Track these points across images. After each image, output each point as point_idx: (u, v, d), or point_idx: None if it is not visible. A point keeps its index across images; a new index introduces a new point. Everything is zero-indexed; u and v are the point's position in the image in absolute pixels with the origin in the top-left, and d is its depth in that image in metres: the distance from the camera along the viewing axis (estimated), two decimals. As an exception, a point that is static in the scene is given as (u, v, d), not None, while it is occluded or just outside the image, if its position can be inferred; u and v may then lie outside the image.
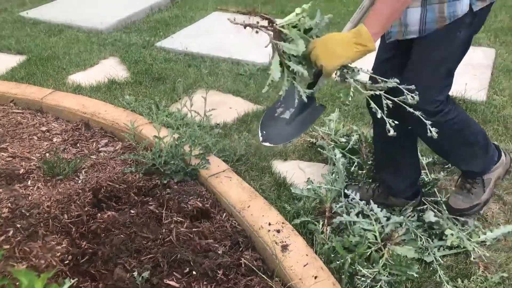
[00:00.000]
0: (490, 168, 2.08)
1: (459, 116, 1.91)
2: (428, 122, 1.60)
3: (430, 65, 1.81)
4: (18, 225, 2.06)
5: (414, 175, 2.18)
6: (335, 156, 2.45)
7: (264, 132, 2.06)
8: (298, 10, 1.60)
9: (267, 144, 2.03)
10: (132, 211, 2.13)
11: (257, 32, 1.61)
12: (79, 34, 4.22)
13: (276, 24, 1.56)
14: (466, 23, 1.75)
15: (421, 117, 1.60)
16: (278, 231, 2.01)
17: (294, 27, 1.60)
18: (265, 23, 1.61)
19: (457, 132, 1.92)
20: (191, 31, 4.28)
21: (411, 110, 1.60)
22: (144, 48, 3.97)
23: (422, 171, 2.32)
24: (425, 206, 2.19)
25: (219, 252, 1.95)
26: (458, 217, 2.12)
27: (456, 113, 1.89)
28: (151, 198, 2.21)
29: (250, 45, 3.92)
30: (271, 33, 1.59)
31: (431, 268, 1.94)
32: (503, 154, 2.14)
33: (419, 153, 2.28)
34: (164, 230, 2.01)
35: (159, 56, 3.81)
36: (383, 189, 2.21)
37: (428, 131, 1.60)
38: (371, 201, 2.15)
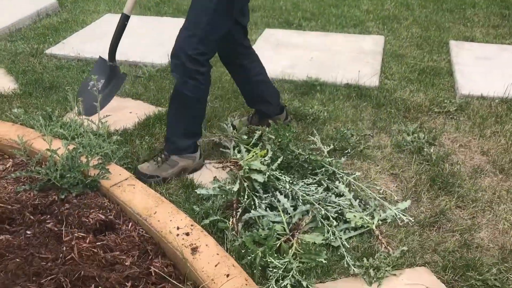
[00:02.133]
0: (183, 153, 2.43)
1: (206, 87, 2.34)
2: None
3: (191, 18, 2.21)
4: None
5: (276, 98, 2.74)
6: (239, 152, 2.47)
7: (83, 106, 2.44)
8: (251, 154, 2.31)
9: (84, 117, 2.47)
10: (28, 232, 1.98)
11: (230, 169, 2.43)
12: (-44, 46, 3.87)
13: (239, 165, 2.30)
14: None
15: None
16: (187, 234, 1.97)
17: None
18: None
19: (197, 99, 2.32)
20: (83, 35, 4.08)
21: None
22: (33, 57, 3.72)
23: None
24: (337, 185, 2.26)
25: (126, 263, 1.87)
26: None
27: (206, 82, 2.30)
28: (48, 216, 2.06)
29: (147, 46, 3.82)
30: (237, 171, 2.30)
31: (339, 253, 2.00)
32: (199, 151, 2.51)
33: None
34: (64, 248, 1.89)
35: (49, 64, 3.59)
36: (259, 115, 2.76)
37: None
38: (277, 193, 2.19)
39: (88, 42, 3.91)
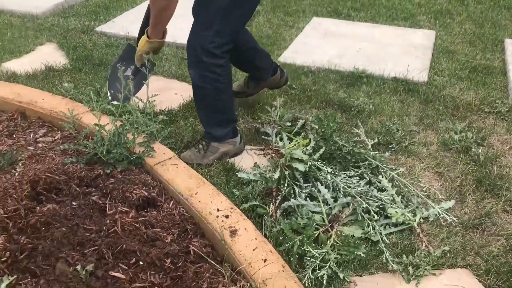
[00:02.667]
0: (223, 140, 2.45)
1: (227, 78, 2.32)
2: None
3: (205, 11, 2.23)
4: (-51, 223, 1.93)
5: (266, 62, 2.70)
6: (281, 140, 2.46)
7: (112, 91, 2.57)
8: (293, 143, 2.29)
9: (115, 102, 2.55)
10: (74, 203, 2.04)
11: (271, 157, 2.46)
12: (13, 19, 3.99)
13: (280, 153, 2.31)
14: None
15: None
16: (227, 217, 1.99)
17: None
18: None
19: (219, 90, 2.31)
20: (133, 15, 4.14)
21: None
22: (84, 33, 3.80)
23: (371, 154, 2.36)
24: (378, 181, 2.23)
25: (166, 240, 1.90)
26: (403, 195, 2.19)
27: (226, 73, 2.30)
28: (93, 189, 2.12)
29: (195, 29, 3.84)
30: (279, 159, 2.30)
31: (378, 248, 1.97)
32: (239, 136, 2.51)
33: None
34: (108, 221, 1.93)
35: (99, 41, 3.66)
36: (254, 81, 2.77)
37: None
38: (318, 183, 2.17)
39: (137, 22, 3.91)
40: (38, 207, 1.99)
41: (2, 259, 1.79)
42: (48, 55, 3.43)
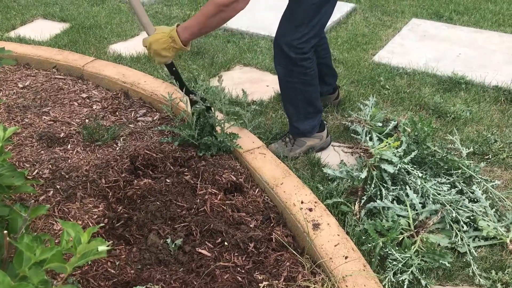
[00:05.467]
0: (312, 133, 2.48)
1: (313, 69, 2.33)
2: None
3: (288, 16, 2.26)
4: (58, 186, 2.13)
5: (333, 81, 2.78)
6: (370, 139, 2.43)
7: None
8: None
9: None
10: (168, 180, 2.16)
11: (359, 156, 2.36)
12: (121, 5, 4.26)
13: None
14: None
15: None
16: (310, 210, 2.01)
17: None
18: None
19: (306, 83, 2.33)
20: (231, 7, 4.26)
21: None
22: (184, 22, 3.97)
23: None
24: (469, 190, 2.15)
25: (251, 225, 1.96)
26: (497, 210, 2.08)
27: (312, 65, 2.31)
28: (186, 169, 2.23)
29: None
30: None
31: (465, 260, 1.90)
32: (326, 130, 2.53)
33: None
34: (198, 200, 2.03)
35: (199, 30, 3.81)
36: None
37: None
38: (407, 187, 2.13)
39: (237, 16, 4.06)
40: (135, 181, 2.13)
41: (101, 225, 1.95)
42: (151, 40, 3.62)
